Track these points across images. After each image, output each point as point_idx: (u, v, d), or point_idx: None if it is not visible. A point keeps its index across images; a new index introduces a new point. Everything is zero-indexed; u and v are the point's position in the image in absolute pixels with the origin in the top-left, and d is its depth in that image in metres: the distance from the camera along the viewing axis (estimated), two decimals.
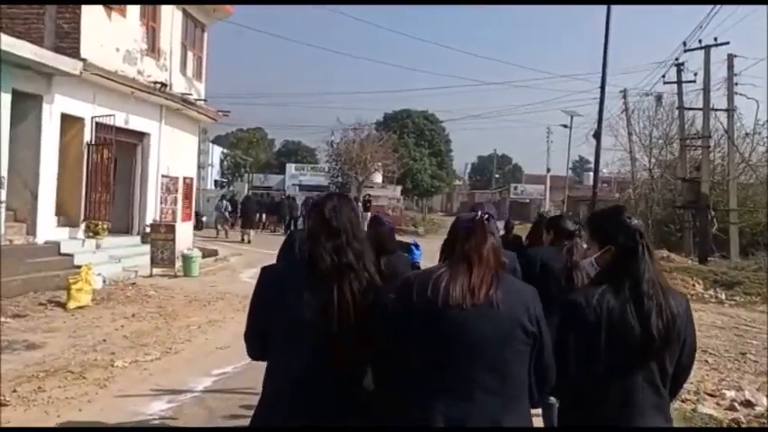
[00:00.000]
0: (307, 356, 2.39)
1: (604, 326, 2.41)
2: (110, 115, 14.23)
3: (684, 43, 22.05)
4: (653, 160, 27.13)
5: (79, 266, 12.19)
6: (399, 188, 39.14)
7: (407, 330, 2.29)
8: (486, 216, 2.43)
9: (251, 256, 19.77)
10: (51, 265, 12.32)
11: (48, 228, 13.15)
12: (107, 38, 14.20)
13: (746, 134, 24.04)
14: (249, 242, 25.32)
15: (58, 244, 13.02)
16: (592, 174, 69.10)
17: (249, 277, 15.02)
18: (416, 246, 4.71)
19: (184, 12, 18.23)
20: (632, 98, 29.43)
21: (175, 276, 14.32)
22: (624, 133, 29.01)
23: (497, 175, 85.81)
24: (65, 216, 13.87)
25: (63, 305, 10.07)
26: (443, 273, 2.31)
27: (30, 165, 12.81)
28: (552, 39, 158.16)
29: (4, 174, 11.88)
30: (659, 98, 25.66)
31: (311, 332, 2.38)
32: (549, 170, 58.65)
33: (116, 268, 13.96)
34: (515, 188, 68.27)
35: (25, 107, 12.62)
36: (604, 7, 22.17)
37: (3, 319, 8.96)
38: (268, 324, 2.49)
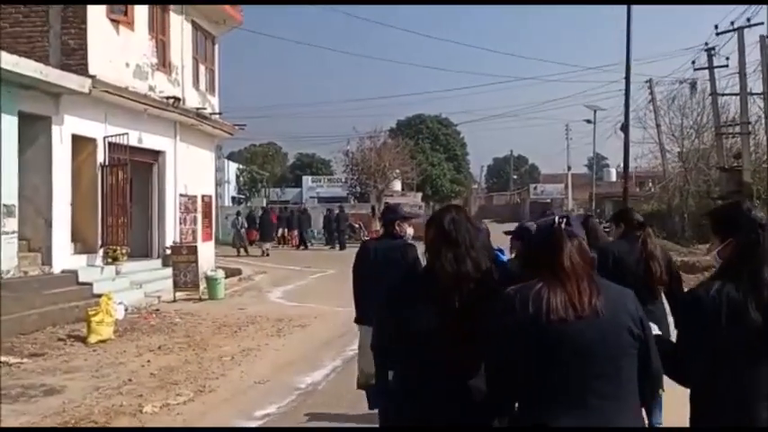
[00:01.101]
0: (429, 361, 2.57)
1: (725, 319, 2.38)
2: (123, 134, 13.49)
3: (716, 26, 21.08)
4: (684, 151, 25.99)
5: (99, 295, 11.43)
6: (420, 195, 38.27)
7: (516, 343, 2.28)
8: (564, 220, 2.40)
9: (276, 273, 18.99)
10: (69, 295, 11.57)
11: (64, 256, 12.42)
12: (115, 53, 13.50)
13: None
14: (267, 255, 25.51)
15: (75, 273, 12.28)
16: (612, 170, 67.80)
17: (278, 297, 14.24)
18: (501, 250, 4.43)
19: (194, 24, 17.53)
20: (661, 87, 28.41)
21: (200, 300, 13.54)
22: (653, 125, 27.87)
23: (515, 176, 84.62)
24: (81, 243, 13.14)
25: (83, 339, 9.29)
26: (541, 288, 2.26)
27: (42, 191, 12.09)
28: (566, 31, 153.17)
29: (15, 201, 11.15)
30: (693, 85, 24.60)
31: (433, 340, 2.54)
32: (569, 168, 57.53)
33: (138, 295, 13.20)
34: (534, 188, 67.07)
35: (33, 130, 11.92)
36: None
37: (19, 360, 8.18)
38: (395, 336, 2.68)
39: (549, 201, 62.28)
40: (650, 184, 63.68)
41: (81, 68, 12.40)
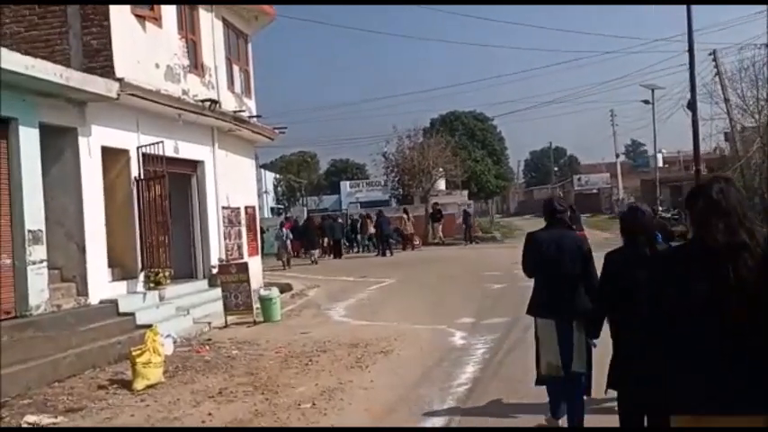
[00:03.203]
0: (710, 335, 2.53)
1: None
2: (158, 142, 12.02)
3: None
4: (762, 125, 23.75)
5: (143, 326, 10.01)
6: (466, 192, 36.48)
7: None
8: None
9: (330, 286, 17.40)
10: (110, 329, 10.07)
11: (101, 284, 10.95)
12: (143, 53, 12.03)
13: None
14: (316, 263, 25.45)
15: (115, 302, 10.79)
16: (659, 155, 65.23)
17: (342, 315, 12.62)
18: (658, 234, 4.67)
19: (225, 22, 16.06)
20: (730, 57, 26.18)
21: (255, 323, 11.98)
22: (721, 99, 25.62)
23: (556, 169, 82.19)
24: (120, 267, 11.69)
25: (129, 385, 7.75)
26: None
27: (71, 212, 10.64)
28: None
29: (42, 226, 9.68)
30: None
31: (711, 312, 2.51)
32: (618, 156, 55.16)
33: (186, 323, 11.70)
34: (579, 179, 64.75)
35: (58, 143, 10.49)
36: None
37: (53, 420, 6.66)
38: (671, 308, 2.63)
39: (596, 191, 59.97)
40: (702, 168, 61.08)
41: (106, 71, 10.94)
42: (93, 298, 10.66)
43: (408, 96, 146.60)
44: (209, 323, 12.00)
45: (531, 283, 5.50)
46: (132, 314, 10.68)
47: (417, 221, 31.04)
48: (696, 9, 20.11)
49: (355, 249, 30.48)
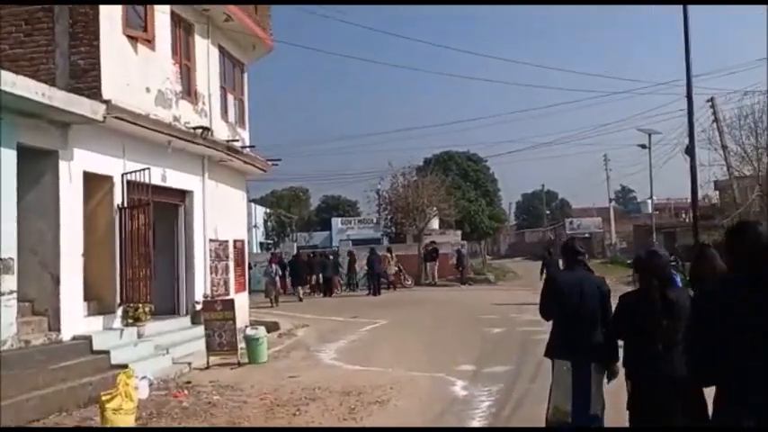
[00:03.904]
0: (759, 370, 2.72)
1: None
2: (144, 169, 11.38)
3: None
4: (761, 174, 23.40)
5: (118, 366, 9.29)
6: (459, 233, 35.90)
7: None
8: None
9: (320, 326, 16.64)
10: (82, 368, 9.29)
11: (75, 319, 10.18)
12: (134, 75, 11.48)
13: None
14: (301, 300, 25.42)
15: (89, 339, 10.02)
16: (648, 201, 64.89)
17: (333, 358, 11.87)
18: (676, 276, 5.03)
19: (221, 49, 15.60)
20: (729, 105, 25.99)
21: (239, 365, 11.22)
22: (730, 146, 25.22)
23: (547, 212, 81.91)
24: (96, 301, 10.94)
25: None
26: None
27: (47, 240, 9.94)
28: (607, 48, 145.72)
29: (14, 254, 8.97)
30: None
31: (761, 350, 2.69)
32: (611, 200, 54.86)
33: (164, 362, 10.92)
34: (570, 223, 64.31)
35: (37, 167, 9.84)
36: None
37: None
38: (724, 343, 2.80)
39: (587, 235, 59.60)
40: (683, 215, 60.82)
41: (93, 92, 10.36)
42: (66, 333, 9.90)
43: (402, 133, 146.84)
44: (190, 363, 11.23)
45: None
46: (107, 352, 9.93)
47: (410, 261, 30.37)
48: (697, 55, 19.87)
49: (343, 288, 29.75)
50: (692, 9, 19.40)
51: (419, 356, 11.54)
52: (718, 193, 33.44)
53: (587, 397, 5.00)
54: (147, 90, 11.87)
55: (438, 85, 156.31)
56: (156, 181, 12.19)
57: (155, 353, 11.02)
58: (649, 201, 67.90)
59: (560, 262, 5.84)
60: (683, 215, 60.88)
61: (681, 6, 19.07)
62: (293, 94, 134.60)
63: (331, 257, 29.20)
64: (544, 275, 20.48)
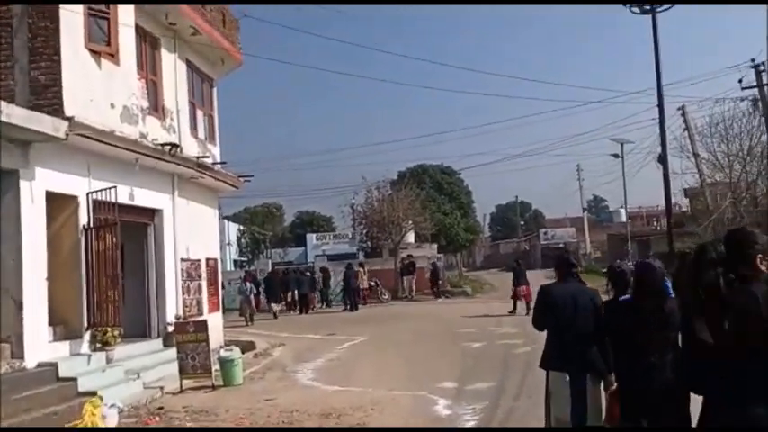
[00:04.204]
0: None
1: None
2: (110, 188, 10.99)
3: None
4: (734, 180, 23.55)
5: (85, 393, 8.90)
6: (435, 246, 35.69)
7: None
8: None
9: (296, 344, 16.27)
10: (46, 398, 8.86)
11: (40, 345, 9.74)
12: (97, 91, 11.10)
13: None
14: (276, 317, 25.03)
15: (55, 366, 9.58)
16: (622, 210, 65.26)
17: (310, 378, 11.53)
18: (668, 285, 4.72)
19: (189, 64, 15.27)
20: (702, 113, 26.19)
21: (213, 388, 10.82)
22: (701, 153, 25.34)
23: (522, 223, 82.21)
24: (62, 326, 10.50)
25: None
26: None
27: (8, 264, 9.50)
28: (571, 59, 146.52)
29: None
30: (756, 102, 22.16)
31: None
32: (585, 210, 55.17)
33: (135, 388, 10.49)
34: (545, 233, 64.59)
35: None
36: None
37: None
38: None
39: (561, 245, 59.90)
40: (655, 223, 61.34)
41: (55, 109, 9.97)
42: (30, 361, 9.45)
43: (376, 147, 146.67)
44: (162, 388, 10.81)
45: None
46: (74, 379, 9.50)
47: (387, 275, 30.08)
48: (668, 63, 19.95)
49: (320, 305, 29.37)
50: (664, 16, 19.42)
51: (399, 374, 11.24)
52: (688, 200, 33.77)
53: (584, 408, 5.04)
54: (112, 106, 11.49)
55: (417, 98, 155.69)
56: (124, 200, 11.82)
57: (125, 378, 10.58)
58: (622, 210, 68.64)
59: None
60: (655, 223, 61.51)
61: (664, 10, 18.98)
62: (267, 108, 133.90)
63: (308, 274, 28.76)
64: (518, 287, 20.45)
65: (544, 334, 5.37)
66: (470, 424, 7.64)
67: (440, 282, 30.59)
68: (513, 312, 20.18)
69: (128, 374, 10.76)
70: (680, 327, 4.10)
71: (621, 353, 4.67)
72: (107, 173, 11.32)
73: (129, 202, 12.22)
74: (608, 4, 47.61)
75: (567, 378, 5.10)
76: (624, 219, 65.19)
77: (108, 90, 11.41)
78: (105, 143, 10.87)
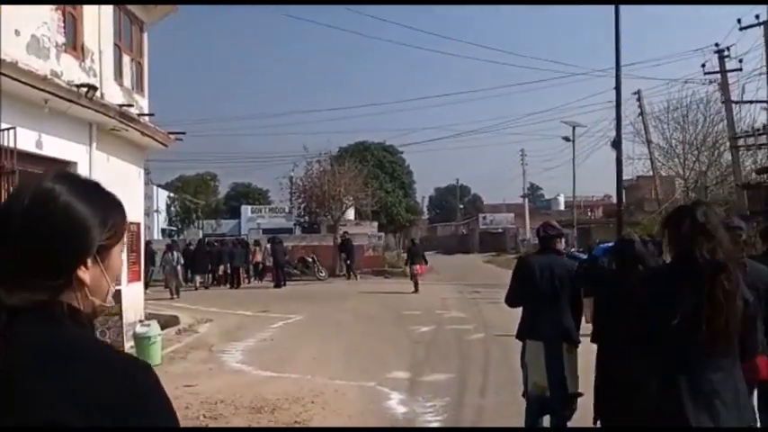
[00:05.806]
0: (689, 351, 2.69)
1: None
2: (8, 129, 9.25)
3: (739, 20, 18.27)
4: (687, 170, 23.07)
5: None
6: (375, 224, 34.49)
7: None
8: None
9: (225, 321, 14.78)
10: None
11: None
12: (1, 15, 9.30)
13: None
14: (197, 289, 24.04)
15: None
16: (560, 198, 65.36)
17: (239, 361, 10.12)
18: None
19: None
20: (659, 98, 25.61)
21: None
22: (657, 139, 24.78)
23: (461, 206, 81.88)
24: None
25: None
26: None
27: None
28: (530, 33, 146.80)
29: None
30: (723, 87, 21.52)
31: (687, 329, 2.65)
32: (525, 196, 54.93)
33: None
34: (484, 218, 64.27)
35: None
36: None
37: None
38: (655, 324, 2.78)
39: (501, 231, 59.69)
40: (591, 213, 62.06)
41: None
42: None
43: (323, 114, 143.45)
44: None
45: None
46: None
47: (325, 252, 28.68)
48: (628, 45, 19.18)
49: (252, 279, 27.82)
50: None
51: (342, 359, 9.95)
52: (624, 191, 33.66)
53: (562, 375, 5.14)
54: (17, 33, 9.71)
55: (370, 65, 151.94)
56: (29, 147, 10.09)
57: None
58: (560, 197, 69.06)
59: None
60: (590, 213, 62.14)
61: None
62: (205, 64, 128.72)
63: (240, 247, 27.09)
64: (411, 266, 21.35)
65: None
66: (434, 425, 6.40)
67: (351, 261, 28.23)
68: (416, 292, 20.73)
69: None
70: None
71: (606, 342, 4.66)
72: (7, 112, 9.54)
73: (36, 151, 10.47)
74: None
75: (542, 346, 5.19)
76: (562, 207, 65.74)
77: (12, 14, 9.60)
78: (5, 75, 9.11)
